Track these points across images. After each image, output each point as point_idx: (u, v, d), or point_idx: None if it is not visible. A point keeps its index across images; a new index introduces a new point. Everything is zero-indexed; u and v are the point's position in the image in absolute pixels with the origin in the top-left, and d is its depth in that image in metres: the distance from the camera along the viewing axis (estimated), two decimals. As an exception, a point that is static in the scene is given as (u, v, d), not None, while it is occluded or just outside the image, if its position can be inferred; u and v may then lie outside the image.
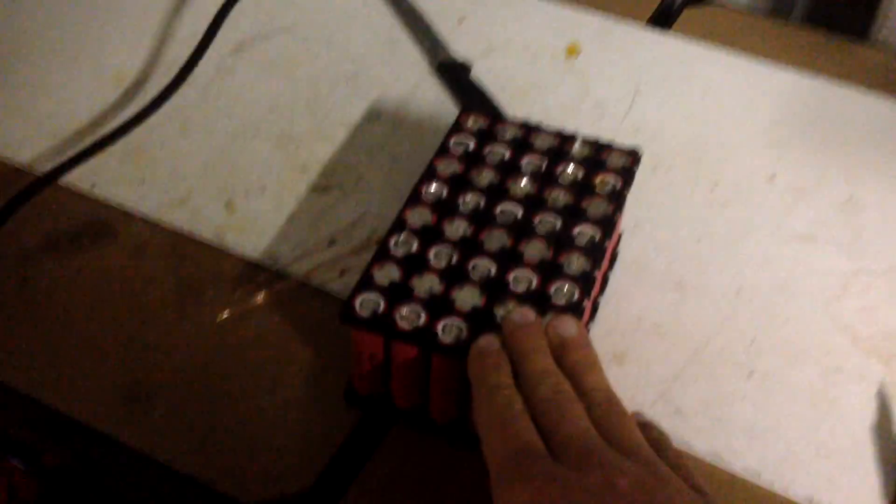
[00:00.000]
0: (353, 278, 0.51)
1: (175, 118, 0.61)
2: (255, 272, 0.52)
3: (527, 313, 0.40)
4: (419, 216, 0.45)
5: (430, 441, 0.45)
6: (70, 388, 0.47)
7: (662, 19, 0.73)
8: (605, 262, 0.48)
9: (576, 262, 0.43)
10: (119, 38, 0.68)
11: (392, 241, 0.44)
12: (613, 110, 0.63)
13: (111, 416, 0.46)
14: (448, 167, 0.48)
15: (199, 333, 0.49)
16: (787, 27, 0.73)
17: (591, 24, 0.71)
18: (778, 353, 0.49)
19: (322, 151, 0.60)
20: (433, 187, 0.47)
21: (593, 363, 0.39)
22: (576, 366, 0.38)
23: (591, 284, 0.43)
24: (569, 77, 0.66)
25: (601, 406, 0.36)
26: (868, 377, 0.48)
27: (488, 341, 0.39)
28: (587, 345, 0.40)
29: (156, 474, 0.44)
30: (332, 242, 0.54)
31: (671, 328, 0.50)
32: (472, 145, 0.49)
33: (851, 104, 0.64)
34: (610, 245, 0.47)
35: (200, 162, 0.59)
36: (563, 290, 0.42)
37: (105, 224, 0.55)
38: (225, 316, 0.50)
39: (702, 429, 0.45)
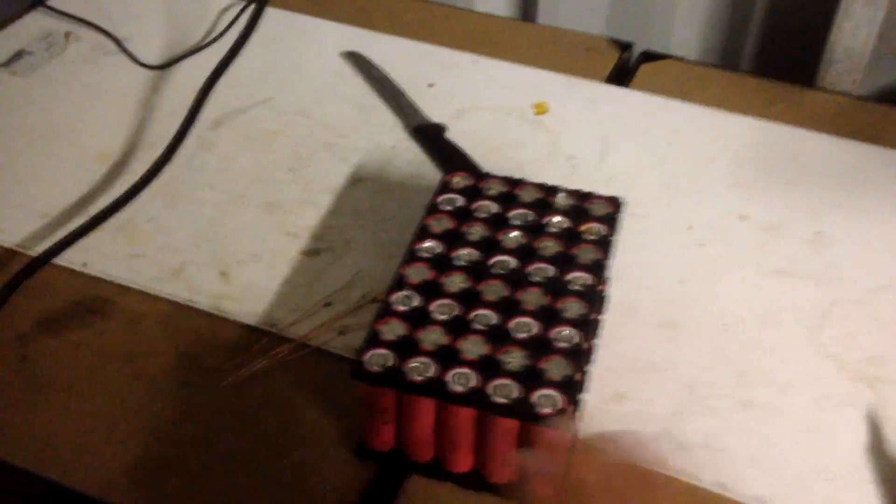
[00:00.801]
0: (353, 337, 0.52)
1: (160, 193, 0.62)
2: (255, 337, 0.53)
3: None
4: (417, 273, 0.47)
5: (443, 492, 0.45)
6: (78, 464, 0.46)
7: (621, 76, 0.77)
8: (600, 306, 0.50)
9: (573, 308, 0.45)
10: (99, 118, 0.69)
11: (394, 298, 0.45)
12: (585, 163, 0.66)
13: (122, 489, 0.45)
14: (439, 224, 0.50)
15: (204, 401, 0.50)
16: (737, 77, 0.77)
17: (556, 83, 0.74)
18: (769, 384, 0.51)
19: (309, 216, 0.61)
20: (427, 244, 0.48)
21: None
22: None
23: (590, 327, 0.44)
24: (539, 134, 0.69)
25: None
26: (856, 401, 0.50)
27: None
28: None
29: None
30: (328, 304, 0.55)
31: (665, 365, 0.52)
32: (460, 202, 0.51)
33: (806, 145, 0.67)
34: (603, 289, 0.49)
35: (191, 233, 0.60)
36: (564, 335, 0.44)
37: (101, 300, 0.56)
38: (229, 381, 0.51)
39: (705, 461, 0.47)
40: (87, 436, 0.48)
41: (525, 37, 0.81)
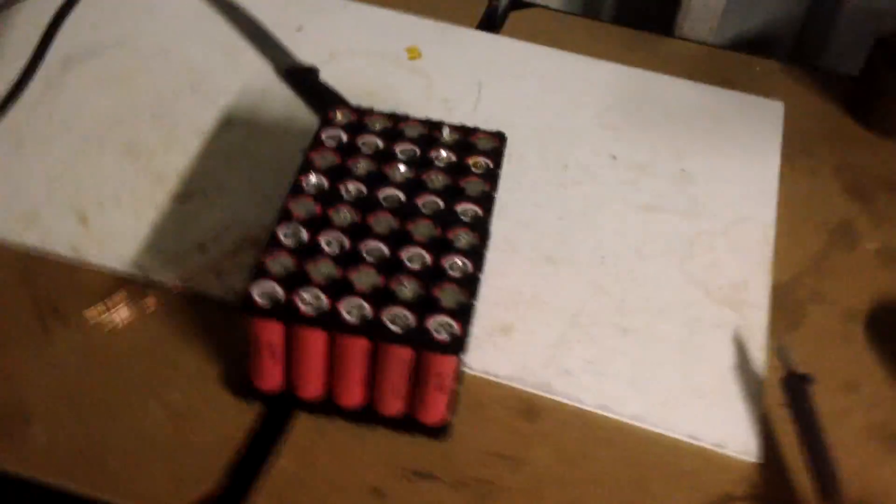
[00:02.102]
0: (231, 280, 0.50)
1: (6, 137, 0.57)
2: (122, 283, 0.50)
3: None
4: (303, 207, 0.45)
5: (334, 427, 0.44)
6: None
7: (490, 23, 0.77)
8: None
9: (463, 238, 0.45)
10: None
11: (281, 232, 0.44)
12: (461, 106, 0.66)
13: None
14: (324, 159, 0.48)
15: (70, 351, 0.46)
16: (601, 25, 0.79)
17: (427, 29, 0.73)
18: (644, 311, 0.53)
19: (177, 161, 0.58)
20: (313, 178, 0.47)
21: None
22: None
23: (481, 257, 0.44)
24: (414, 78, 0.68)
25: None
26: (724, 324, 0.52)
27: None
28: None
29: (46, 499, 0.41)
30: (202, 248, 0.52)
31: (549, 298, 0.53)
32: (344, 137, 0.50)
33: (666, 90, 0.70)
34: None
35: (43, 178, 0.55)
36: (457, 265, 0.44)
37: (-58, 250, 0.51)
38: (95, 327, 0.47)
39: (588, 385, 0.48)
40: (-60, 392, 0.44)
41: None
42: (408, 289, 0.42)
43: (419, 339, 0.40)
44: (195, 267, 0.51)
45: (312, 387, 0.43)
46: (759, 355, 0.51)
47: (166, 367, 0.46)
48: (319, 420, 0.44)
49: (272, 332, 0.41)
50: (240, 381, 0.45)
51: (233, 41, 0.69)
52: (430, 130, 0.51)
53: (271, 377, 0.43)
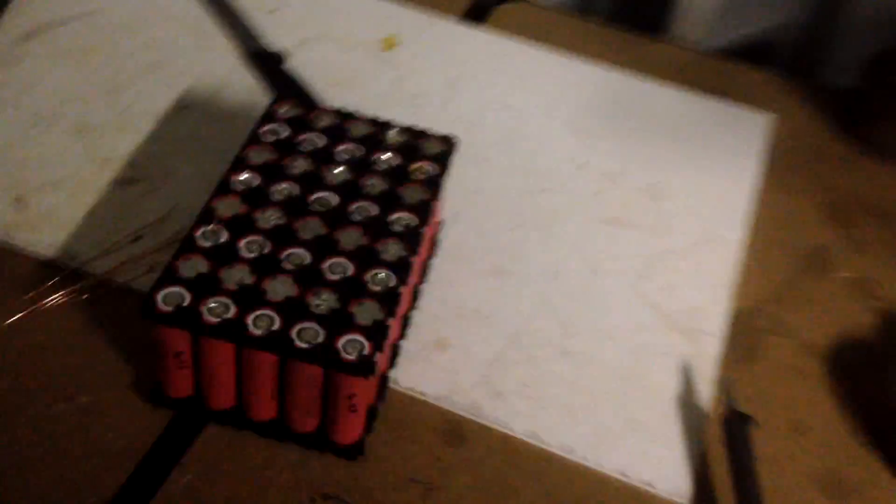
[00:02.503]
0: (160, 275, 0.48)
1: (-45, 109, 0.56)
2: (50, 272, 0.48)
3: None
4: (228, 206, 0.43)
5: (244, 441, 0.43)
6: None
7: (476, 15, 0.74)
8: (424, 249, 0.48)
9: (392, 249, 0.43)
10: None
11: (199, 233, 0.42)
12: (431, 101, 0.64)
13: None
14: (259, 156, 0.46)
15: (-15, 341, 0.45)
16: (591, 25, 0.76)
17: (407, 18, 0.71)
18: (590, 334, 0.50)
19: (126, 143, 0.56)
20: (243, 176, 0.45)
21: None
22: None
23: (407, 270, 0.42)
24: (385, 69, 0.66)
25: None
26: (673, 352, 0.50)
27: None
28: None
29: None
30: (137, 238, 0.51)
31: (491, 313, 0.50)
32: (285, 133, 0.48)
33: (650, 97, 0.67)
34: (428, 232, 0.47)
35: (-15, 155, 0.54)
36: (379, 277, 0.41)
37: None
38: (16, 318, 0.46)
39: (520, 410, 0.46)
40: None
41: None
42: (323, 302, 0.40)
43: (326, 358, 0.38)
44: (127, 258, 0.49)
45: (222, 398, 0.42)
46: (706, 388, 0.48)
47: (81, 364, 0.45)
48: (230, 432, 0.43)
49: (178, 340, 0.39)
50: (152, 386, 0.43)
51: (202, 21, 0.67)
52: (378, 130, 0.49)
53: (180, 385, 0.42)
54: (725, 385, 0.47)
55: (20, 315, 0.46)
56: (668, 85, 0.68)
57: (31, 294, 0.47)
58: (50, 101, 0.58)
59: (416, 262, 0.44)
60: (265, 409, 0.42)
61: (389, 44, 0.68)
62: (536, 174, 0.59)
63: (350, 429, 0.41)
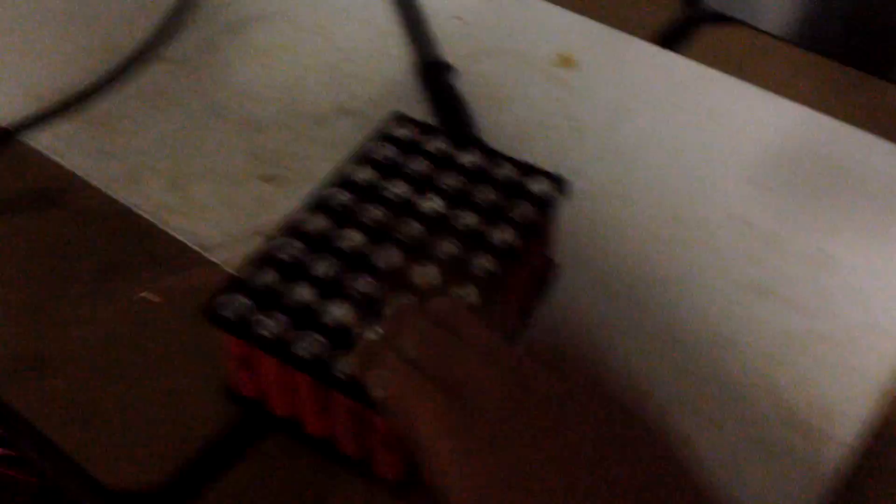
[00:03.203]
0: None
1: (149, 93, 0.62)
2: (180, 254, 0.52)
3: (403, 305, 0.38)
4: (314, 221, 0.44)
5: (304, 453, 0.43)
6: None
7: (674, 35, 0.69)
8: (515, 295, 0.46)
9: (466, 293, 0.41)
10: (115, 12, 0.68)
11: (276, 244, 0.43)
12: (592, 129, 0.60)
13: (3, 377, 0.46)
14: (359, 173, 0.46)
15: (109, 309, 0.50)
16: (812, 58, 0.67)
17: (592, 35, 0.67)
18: (692, 413, 0.45)
19: (280, 141, 0.59)
20: (337, 193, 0.45)
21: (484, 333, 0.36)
22: (464, 337, 0.35)
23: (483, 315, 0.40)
24: (554, 88, 0.63)
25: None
26: (785, 452, 0.44)
27: (367, 346, 0.37)
28: (470, 318, 0.36)
29: (41, 439, 0.45)
30: (260, 235, 0.53)
31: (583, 369, 0.47)
32: (391, 154, 0.47)
33: (856, 150, 0.59)
34: (518, 278, 0.44)
35: (160, 139, 0.59)
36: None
37: (59, 190, 0.56)
38: (143, 295, 0.50)
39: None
40: (-10, 322, 0.49)
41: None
42: (376, 335, 0.39)
43: (357, 392, 0.37)
44: (245, 252, 0.52)
45: (280, 406, 0.43)
46: (816, 502, 0.42)
47: (183, 348, 0.48)
48: (289, 440, 0.44)
49: (237, 345, 0.41)
50: (226, 382, 0.45)
51: (388, 26, 0.68)
52: (488, 162, 0.47)
53: (246, 386, 0.43)
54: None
55: (147, 293, 0.50)
56: (885, 140, 0.59)
57: (159, 273, 0.51)
58: (227, 94, 0.62)
59: (493, 308, 0.42)
60: (316, 427, 0.42)
61: (566, 62, 0.65)
62: (685, 222, 0.54)
63: (390, 464, 0.41)
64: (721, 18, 0.70)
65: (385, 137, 0.48)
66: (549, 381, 0.33)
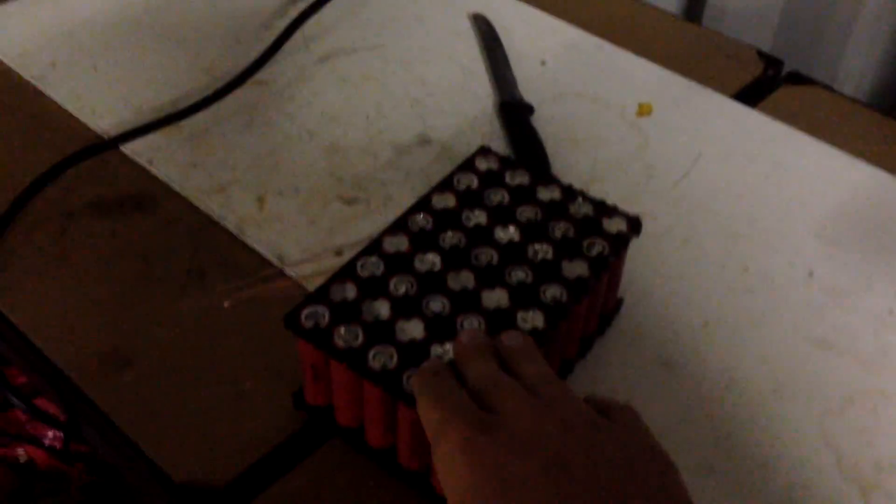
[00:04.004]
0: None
1: (244, 113, 0.65)
2: (262, 267, 0.55)
3: (475, 333, 0.41)
4: (395, 242, 0.46)
5: (363, 463, 0.45)
6: (61, 338, 0.51)
7: (755, 93, 0.70)
8: (578, 325, 0.47)
9: (532, 319, 0.43)
10: (220, 34, 0.72)
11: (360, 262, 0.45)
12: (665, 176, 0.62)
13: (87, 370, 0.49)
14: (442, 201, 0.48)
15: (191, 314, 0.52)
16: (882, 120, 0.68)
17: (675, 86, 0.69)
18: (747, 457, 0.46)
19: (363, 166, 0.62)
20: (420, 218, 0.47)
21: (543, 371, 0.38)
22: (523, 374, 0.38)
23: (542, 343, 0.42)
24: (632, 135, 0.65)
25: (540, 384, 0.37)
26: (841, 502, 0.44)
27: (433, 361, 0.40)
28: (536, 356, 0.39)
29: (116, 433, 0.47)
30: (339, 253, 0.55)
31: (643, 406, 0.47)
32: (475, 184, 0.49)
33: (928, 213, 0.59)
34: (583, 309, 0.46)
35: (250, 156, 0.62)
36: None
37: (149, 197, 0.60)
38: (226, 305, 0.53)
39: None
40: (80, 316, 0.52)
41: (670, 33, 0.76)
42: (445, 354, 0.41)
43: (425, 407, 0.39)
44: (324, 269, 0.54)
45: (346, 416, 0.45)
46: (862, 558, 0.42)
47: (256, 354, 0.50)
48: (350, 450, 0.46)
49: (313, 354, 0.43)
50: (297, 390, 0.47)
51: (474, 64, 0.71)
52: (565, 198, 0.49)
53: (315, 394, 0.45)
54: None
55: (229, 301, 0.53)
56: (956, 203, 0.59)
57: (239, 283, 0.54)
58: (318, 119, 0.65)
59: (557, 336, 0.44)
60: (379, 438, 0.44)
61: (645, 110, 0.67)
62: (751, 273, 0.55)
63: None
64: (802, 80, 0.71)
65: (469, 168, 0.50)
66: (587, 422, 0.34)
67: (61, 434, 0.85)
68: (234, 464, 0.45)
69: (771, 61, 0.73)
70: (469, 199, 0.48)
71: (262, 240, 0.56)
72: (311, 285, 0.53)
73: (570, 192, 0.49)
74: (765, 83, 0.71)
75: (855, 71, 0.77)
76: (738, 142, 0.64)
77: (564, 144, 0.63)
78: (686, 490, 0.34)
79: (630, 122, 0.66)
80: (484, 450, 0.33)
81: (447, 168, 0.61)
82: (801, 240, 0.57)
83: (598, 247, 0.46)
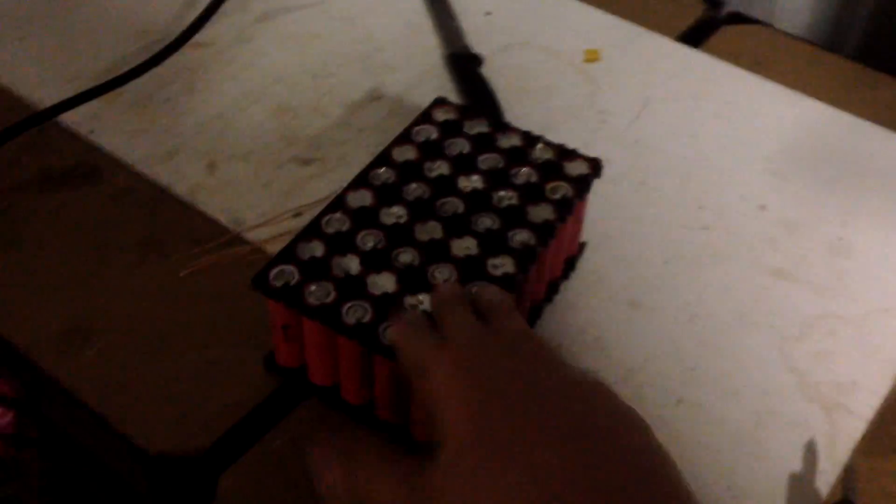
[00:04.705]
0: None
1: (185, 77, 0.64)
2: (218, 233, 0.54)
3: (454, 287, 0.40)
4: (359, 198, 0.46)
5: (338, 421, 0.45)
6: (18, 317, 0.49)
7: (697, 35, 0.71)
8: (545, 269, 0.48)
9: (502, 264, 0.43)
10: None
11: (325, 219, 0.44)
12: (617, 120, 0.62)
13: (48, 348, 0.48)
14: (403, 154, 0.48)
15: (150, 284, 0.51)
16: (829, 57, 0.69)
17: (619, 31, 0.69)
18: (713, 386, 0.47)
19: (315, 125, 0.61)
20: (382, 171, 0.47)
21: (521, 328, 0.38)
22: (501, 329, 0.38)
23: (511, 288, 0.42)
24: (580, 82, 0.65)
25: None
26: (803, 425, 0.45)
27: (410, 312, 0.40)
28: (512, 309, 0.39)
29: (83, 410, 0.46)
30: (297, 214, 0.55)
31: (612, 345, 0.49)
32: (434, 135, 0.49)
33: (869, 143, 0.61)
34: (550, 252, 0.46)
35: (196, 121, 0.61)
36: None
37: (94, 168, 0.58)
38: (182, 274, 0.52)
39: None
40: (35, 294, 0.50)
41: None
42: (419, 304, 0.41)
43: (403, 358, 0.39)
44: (283, 232, 0.54)
45: (321, 375, 0.44)
46: (830, 471, 0.43)
47: (222, 320, 0.49)
48: (326, 409, 0.45)
49: (285, 314, 0.42)
50: (265, 353, 0.47)
51: (419, 18, 0.70)
52: (526, 144, 0.49)
53: (287, 355, 0.45)
54: (848, 471, 0.42)
55: (188, 269, 0.52)
56: (894, 134, 0.61)
57: (197, 251, 0.53)
58: (263, 80, 0.64)
59: (526, 280, 0.44)
60: (355, 394, 0.44)
61: (592, 56, 0.67)
62: (707, 210, 0.56)
63: (428, 431, 0.42)
64: (742, 19, 0.72)
65: (427, 120, 0.50)
66: (557, 376, 0.35)
67: (12, 420, 0.83)
68: (209, 431, 0.45)
69: (711, 2, 0.74)
70: (430, 151, 0.48)
71: (216, 206, 0.55)
72: (273, 248, 0.53)
73: (529, 139, 0.49)
74: (706, 24, 0.72)
75: (790, 7, 0.78)
76: (685, 83, 0.65)
77: (516, 94, 0.63)
78: (665, 458, 0.34)
79: (579, 69, 0.66)
80: (470, 385, 0.33)
81: (401, 123, 0.61)
82: (752, 175, 0.58)
83: (562, 190, 0.46)
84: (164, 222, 0.55)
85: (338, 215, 0.45)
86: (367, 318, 0.40)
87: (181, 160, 0.58)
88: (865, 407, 0.46)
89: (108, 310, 0.50)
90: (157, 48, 0.65)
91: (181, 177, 0.57)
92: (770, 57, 0.68)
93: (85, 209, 0.55)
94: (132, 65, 0.63)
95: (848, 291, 0.51)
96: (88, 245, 0.53)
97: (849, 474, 0.42)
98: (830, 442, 0.44)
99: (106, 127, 0.60)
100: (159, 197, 0.56)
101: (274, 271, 0.42)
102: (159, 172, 0.57)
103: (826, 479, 0.43)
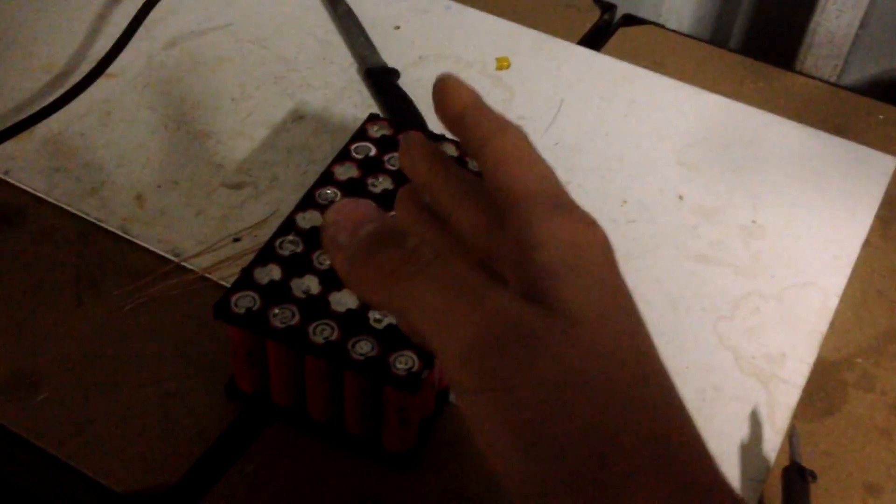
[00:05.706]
0: (250, 276, 0.52)
1: (98, 110, 0.62)
2: (157, 265, 0.53)
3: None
4: (308, 219, 0.46)
5: (306, 440, 0.45)
6: (-44, 371, 0.47)
7: (596, 38, 0.74)
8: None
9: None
10: (52, 30, 0.68)
11: (277, 242, 0.45)
12: (535, 125, 0.64)
13: (-5, 399, 0.46)
14: (345, 172, 0.49)
15: (92, 323, 0.50)
16: (716, 52, 0.74)
17: (525, 39, 0.72)
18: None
19: (240, 149, 0.60)
20: (327, 191, 0.47)
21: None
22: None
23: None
24: (495, 90, 0.67)
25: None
26: (745, 397, 0.49)
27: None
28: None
29: (39, 459, 0.45)
30: (237, 239, 0.54)
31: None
32: (373, 152, 0.50)
33: (767, 130, 0.65)
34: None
35: (117, 153, 0.59)
36: (440, 298, 0.43)
37: (15, 208, 0.56)
38: (128, 307, 0.51)
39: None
40: (-28, 343, 0.49)
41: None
42: (383, 318, 0.42)
43: (376, 371, 0.40)
44: (224, 258, 0.53)
45: (284, 396, 0.45)
46: (774, 438, 0.47)
47: (173, 352, 0.49)
48: (292, 430, 0.46)
49: (248, 339, 0.43)
50: (228, 380, 0.46)
51: (330, 36, 0.70)
52: (462, 153, 0.50)
53: (249, 380, 0.45)
54: (793, 434, 0.45)
55: (127, 304, 0.51)
56: (790, 119, 0.66)
57: (138, 284, 0.52)
58: (181, 106, 0.63)
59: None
60: (323, 411, 0.44)
61: (504, 64, 0.70)
62: (630, 204, 0.59)
63: (401, 440, 0.43)
64: (635, 21, 0.76)
65: (363, 137, 0.50)
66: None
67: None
68: (177, 465, 0.44)
69: (605, 7, 0.77)
70: (370, 167, 0.49)
71: (151, 237, 0.54)
72: (218, 276, 0.52)
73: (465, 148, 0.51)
74: (603, 28, 0.76)
75: (675, 7, 0.83)
76: (593, 85, 0.68)
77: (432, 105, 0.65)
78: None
79: (492, 77, 0.68)
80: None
81: (328, 141, 0.62)
82: (667, 168, 0.62)
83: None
84: (97, 258, 0.53)
85: (290, 237, 0.45)
86: (334, 336, 0.41)
87: (107, 194, 0.57)
88: (797, 375, 0.50)
89: (52, 353, 0.48)
90: (65, 81, 0.64)
91: (110, 212, 0.56)
92: (666, 55, 0.73)
93: (12, 252, 0.53)
94: (42, 101, 0.61)
95: (766, 270, 0.55)
96: (22, 288, 0.51)
97: (794, 440, 0.45)
98: (770, 411, 0.48)
99: (22, 167, 0.58)
100: (89, 233, 0.55)
101: (234, 298, 0.42)
102: (86, 208, 0.56)
103: (772, 445, 0.46)
